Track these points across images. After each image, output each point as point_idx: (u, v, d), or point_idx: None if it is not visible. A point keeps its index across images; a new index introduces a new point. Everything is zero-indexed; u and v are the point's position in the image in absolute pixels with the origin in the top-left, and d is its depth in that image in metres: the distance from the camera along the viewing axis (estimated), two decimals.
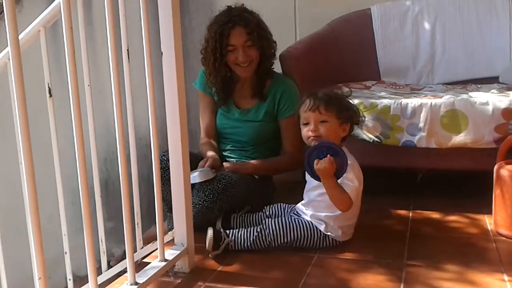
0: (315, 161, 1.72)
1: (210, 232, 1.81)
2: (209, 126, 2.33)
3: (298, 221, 1.83)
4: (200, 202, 1.96)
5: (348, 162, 1.74)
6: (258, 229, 1.81)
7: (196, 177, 1.99)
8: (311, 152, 1.74)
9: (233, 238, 1.81)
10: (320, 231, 1.81)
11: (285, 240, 1.81)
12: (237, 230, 1.85)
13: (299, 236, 1.81)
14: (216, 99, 2.31)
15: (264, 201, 2.10)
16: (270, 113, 2.24)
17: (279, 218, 1.85)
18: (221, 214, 2.00)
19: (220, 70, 2.19)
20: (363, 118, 1.97)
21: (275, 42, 2.27)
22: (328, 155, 1.70)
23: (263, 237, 1.80)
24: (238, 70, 2.20)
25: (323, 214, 1.81)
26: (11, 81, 1.46)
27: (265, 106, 2.23)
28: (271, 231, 1.80)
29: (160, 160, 1.77)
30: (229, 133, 2.31)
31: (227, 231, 1.84)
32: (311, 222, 1.82)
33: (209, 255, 1.79)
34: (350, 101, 1.91)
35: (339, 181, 1.73)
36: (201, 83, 2.35)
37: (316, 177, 1.74)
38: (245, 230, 1.84)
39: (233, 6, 2.20)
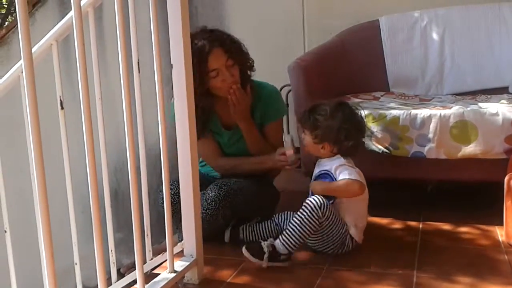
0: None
1: (245, 251, 1.77)
2: (214, 147, 2.22)
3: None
4: (203, 211, 1.95)
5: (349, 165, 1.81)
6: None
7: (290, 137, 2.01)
8: None
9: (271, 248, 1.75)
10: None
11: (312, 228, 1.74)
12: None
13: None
14: None
15: (269, 206, 2.09)
16: (262, 123, 2.19)
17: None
18: (229, 224, 2.01)
19: (201, 100, 1.96)
20: (349, 143, 1.83)
21: (247, 53, 2.15)
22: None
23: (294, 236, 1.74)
24: (224, 93, 2.07)
25: None
26: (24, 94, 1.48)
27: (254, 119, 2.16)
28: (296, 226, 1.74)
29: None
30: (231, 153, 2.24)
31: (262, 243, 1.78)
32: None
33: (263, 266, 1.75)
34: (350, 117, 1.86)
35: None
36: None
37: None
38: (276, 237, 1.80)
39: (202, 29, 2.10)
